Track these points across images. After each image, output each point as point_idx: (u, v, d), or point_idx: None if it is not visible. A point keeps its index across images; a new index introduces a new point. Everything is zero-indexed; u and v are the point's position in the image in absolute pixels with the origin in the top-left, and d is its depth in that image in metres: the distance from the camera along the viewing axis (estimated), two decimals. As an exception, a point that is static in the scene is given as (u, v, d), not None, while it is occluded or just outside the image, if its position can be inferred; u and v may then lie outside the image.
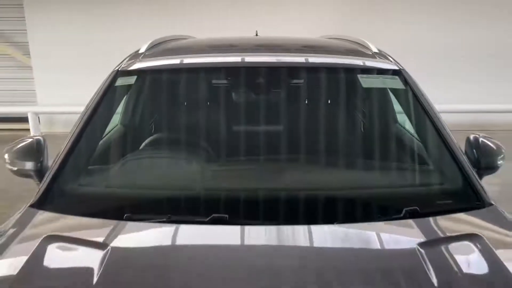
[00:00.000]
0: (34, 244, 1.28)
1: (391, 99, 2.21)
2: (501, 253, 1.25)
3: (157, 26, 6.85)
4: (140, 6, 7.35)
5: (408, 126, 2.09)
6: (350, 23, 7.24)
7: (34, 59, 7.61)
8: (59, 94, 7.55)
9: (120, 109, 2.21)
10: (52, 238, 1.31)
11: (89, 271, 1.17)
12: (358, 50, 2.26)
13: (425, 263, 1.19)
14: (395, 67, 2.04)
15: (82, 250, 1.30)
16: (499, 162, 1.86)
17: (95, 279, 1.14)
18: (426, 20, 7.40)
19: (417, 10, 7.41)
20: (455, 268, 1.19)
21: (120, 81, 2.01)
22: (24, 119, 7.63)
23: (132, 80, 2.06)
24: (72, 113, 7.39)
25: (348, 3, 7.39)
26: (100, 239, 1.30)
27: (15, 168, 1.81)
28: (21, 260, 1.22)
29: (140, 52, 2.18)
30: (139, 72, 2.05)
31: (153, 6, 7.34)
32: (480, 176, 1.81)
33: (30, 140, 1.87)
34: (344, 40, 2.58)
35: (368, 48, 2.26)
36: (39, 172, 1.78)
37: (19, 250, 1.29)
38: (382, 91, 2.20)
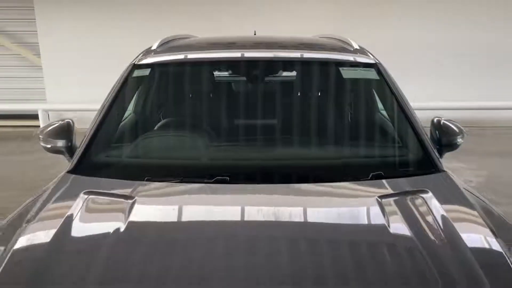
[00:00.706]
0: (75, 197, 1.63)
1: (369, 87, 2.55)
2: (442, 203, 1.59)
3: (161, 27, 7.17)
4: (143, 8, 7.70)
5: (381, 109, 2.44)
6: (351, 24, 7.52)
7: (44, 59, 7.97)
8: (67, 92, 7.90)
9: (136, 96, 2.55)
10: (89, 193, 1.66)
11: (121, 212, 1.53)
12: (342, 47, 2.61)
13: (382, 208, 1.54)
14: (372, 61, 2.39)
15: (114, 200, 1.66)
16: (458, 141, 2.20)
17: (125, 220, 1.49)
18: (421, 22, 7.75)
19: (413, 13, 7.77)
20: (405, 212, 1.54)
21: (136, 73, 2.36)
22: (34, 116, 7.96)
23: (146, 72, 2.41)
24: (79, 110, 7.77)
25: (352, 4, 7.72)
26: (127, 193, 1.65)
27: (49, 146, 2.16)
28: (67, 206, 1.57)
29: (152, 48, 2.53)
30: (153, 65, 2.40)
31: (158, 8, 7.69)
32: (441, 152, 2.16)
33: (61, 122, 2.22)
34: (331, 39, 2.93)
35: (350, 45, 2.61)
36: (70, 149, 2.13)
37: (64, 202, 1.64)
38: (361, 80, 2.56)
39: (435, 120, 2.25)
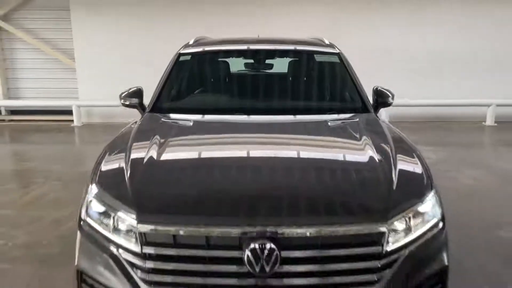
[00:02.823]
0: (158, 121, 2.87)
1: (334, 66, 3.78)
2: (364, 124, 2.83)
3: (177, 34, 8.46)
4: (165, 23, 8.98)
5: (339, 82, 3.69)
6: (340, 30, 8.78)
7: (77, 63, 9.27)
8: (97, 91, 9.20)
9: (182, 72, 3.80)
10: (166, 121, 2.92)
11: (187, 127, 2.78)
12: (318, 43, 3.88)
13: (329, 127, 2.79)
14: (336, 51, 3.65)
15: (181, 121, 2.92)
16: (389, 101, 3.41)
17: (190, 127, 2.74)
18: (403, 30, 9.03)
19: (398, 23, 9.04)
20: (341, 126, 2.79)
21: (181, 58, 3.63)
22: (66, 112, 9.24)
23: (188, 57, 3.68)
24: (107, 106, 9.04)
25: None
26: (188, 120, 2.90)
27: (127, 103, 3.39)
28: (155, 125, 2.80)
29: (190, 44, 3.81)
30: (192, 53, 3.67)
31: (175, 22, 8.96)
32: (377, 107, 3.39)
33: (135, 88, 3.45)
34: (313, 39, 4.20)
35: (324, 42, 3.89)
36: (141, 104, 3.37)
37: (152, 124, 2.86)
38: (329, 62, 3.81)
39: (374, 88, 3.50)
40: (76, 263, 2.05)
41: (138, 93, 3.40)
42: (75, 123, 9.15)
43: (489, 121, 8.97)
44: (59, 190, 5.05)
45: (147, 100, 3.41)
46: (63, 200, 4.73)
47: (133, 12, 8.99)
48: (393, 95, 3.45)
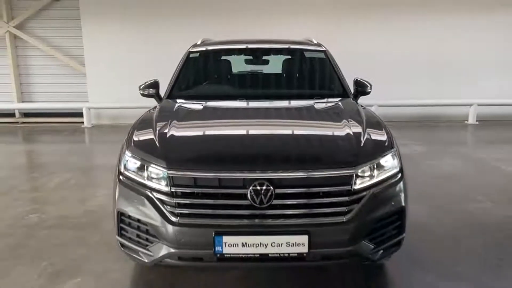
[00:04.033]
0: (175, 105, 3.48)
1: (320, 62, 4.40)
2: (344, 106, 3.45)
3: (180, 40, 9.10)
4: (172, 27, 9.64)
5: (325, 74, 4.32)
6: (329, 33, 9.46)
7: (87, 68, 9.88)
8: (105, 94, 9.82)
9: (191, 67, 4.43)
10: (181, 104, 3.54)
11: (198, 109, 3.41)
12: (308, 42, 4.53)
13: (315, 108, 3.41)
14: (323, 49, 4.30)
15: (194, 104, 3.53)
16: (367, 90, 4.04)
17: (201, 108, 3.38)
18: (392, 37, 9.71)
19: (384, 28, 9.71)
20: (324, 107, 3.41)
21: (191, 55, 4.27)
22: (77, 115, 9.85)
23: (196, 55, 4.31)
24: (115, 108, 9.68)
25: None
26: (199, 103, 3.52)
27: (146, 93, 4.00)
28: (172, 108, 3.41)
29: (197, 43, 4.46)
30: (200, 52, 4.31)
31: (183, 26, 9.61)
32: (357, 95, 4.01)
33: (152, 80, 4.07)
34: (305, 39, 4.86)
35: (312, 41, 4.54)
36: (157, 94, 3.99)
37: (170, 107, 3.46)
38: (317, 58, 4.44)
39: (354, 79, 4.13)
40: (116, 207, 2.64)
41: (155, 85, 4.01)
42: (86, 124, 9.75)
43: (471, 120, 9.60)
44: (79, 177, 5.64)
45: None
46: (84, 184, 5.33)
47: (140, 20, 9.64)
48: (371, 85, 4.08)
